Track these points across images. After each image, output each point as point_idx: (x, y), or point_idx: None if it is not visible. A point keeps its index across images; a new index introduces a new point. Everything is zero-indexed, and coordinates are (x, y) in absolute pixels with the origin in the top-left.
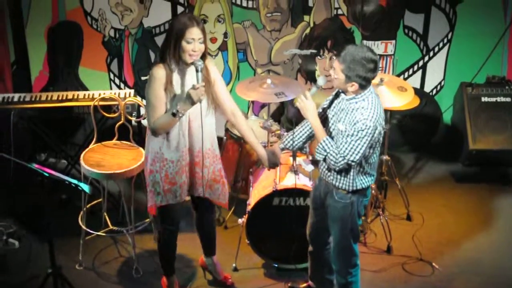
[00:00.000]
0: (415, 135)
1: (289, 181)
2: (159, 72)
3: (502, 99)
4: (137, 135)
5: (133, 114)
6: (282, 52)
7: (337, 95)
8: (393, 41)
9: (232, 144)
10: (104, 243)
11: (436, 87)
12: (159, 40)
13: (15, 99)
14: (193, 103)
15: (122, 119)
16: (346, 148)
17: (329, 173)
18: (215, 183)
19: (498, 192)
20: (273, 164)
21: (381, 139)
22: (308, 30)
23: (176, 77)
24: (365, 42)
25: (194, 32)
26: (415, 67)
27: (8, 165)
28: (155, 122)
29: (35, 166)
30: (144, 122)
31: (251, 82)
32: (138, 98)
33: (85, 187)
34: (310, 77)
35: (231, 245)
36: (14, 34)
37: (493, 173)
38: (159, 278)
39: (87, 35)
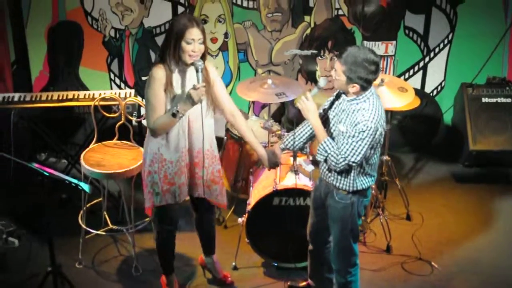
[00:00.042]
0: (415, 135)
1: (289, 181)
2: (159, 72)
3: (503, 99)
4: (137, 135)
5: (134, 114)
6: (282, 53)
7: (338, 96)
8: (394, 42)
9: (232, 144)
10: (104, 242)
11: (436, 87)
12: (160, 40)
13: (16, 99)
14: (193, 103)
15: (123, 119)
16: (347, 149)
17: (329, 174)
18: (213, 184)
19: (498, 192)
20: (273, 164)
21: (382, 140)
22: (308, 31)
23: (176, 77)
24: (365, 42)
25: (194, 33)
26: (416, 68)
27: (8, 164)
28: (154, 122)
29: (35, 165)
30: (145, 122)
31: (252, 83)
32: (139, 98)
33: (85, 187)
34: (311, 78)
35: (231, 244)
36: (14, 34)
37: (493, 173)
38: (158, 276)
39: (88, 35)
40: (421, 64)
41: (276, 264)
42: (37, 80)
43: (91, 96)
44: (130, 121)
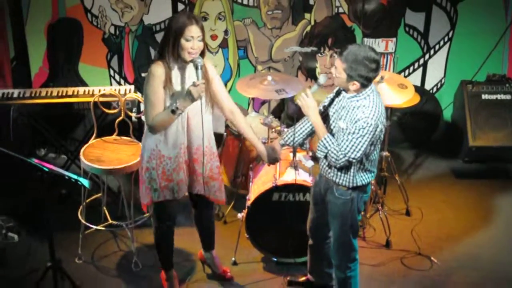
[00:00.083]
0: (415, 132)
1: (289, 176)
2: (158, 69)
3: (502, 96)
4: (137, 131)
5: (133, 110)
6: (282, 50)
7: (338, 93)
8: (394, 39)
9: (232, 140)
10: (104, 237)
11: (436, 84)
12: (160, 37)
13: (15, 95)
14: (193, 100)
15: (122, 115)
16: (347, 146)
17: (329, 170)
18: (211, 181)
19: (497, 188)
20: (273, 159)
21: (382, 136)
22: (309, 28)
23: (175, 74)
24: (366, 40)
25: (193, 30)
26: (416, 65)
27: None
28: (153, 119)
29: (35, 161)
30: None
31: (252, 79)
32: (138, 94)
33: (85, 182)
34: (311, 75)
35: (231, 240)
36: (14, 31)
37: (492, 169)
38: (158, 271)
39: (87, 32)
40: (421, 61)
41: (275, 259)
42: (36, 77)
43: (90, 92)
44: (129, 117)
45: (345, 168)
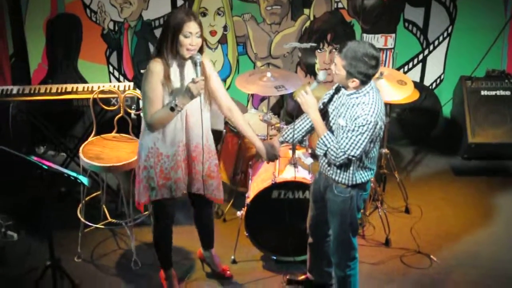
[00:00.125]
0: (414, 128)
1: (288, 174)
2: (157, 66)
3: (502, 92)
4: (136, 128)
5: (133, 107)
6: (282, 45)
7: (337, 90)
8: (393, 35)
9: (231, 137)
10: (103, 235)
11: (435, 80)
12: (159, 33)
13: (14, 92)
14: (192, 97)
15: (121, 112)
16: (347, 143)
17: (329, 168)
18: (209, 179)
19: (497, 185)
20: (272, 156)
21: (381, 133)
22: (308, 24)
23: (173, 71)
24: (365, 35)
25: (191, 26)
26: (415, 61)
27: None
28: (152, 116)
29: (34, 158)
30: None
31: (251, 75)
32: (138, 91)
33: (84, 180)
34: (310, 70)
35: (230, 238)
36: (12, 27)
37: (492, 166)
38: (157, 270)
39: (86, 28)
40: (421, 57)
41: (275, 258)
42: (35, 73)
43: (90, 89)
44: (129, 114)
45: (345, 166)
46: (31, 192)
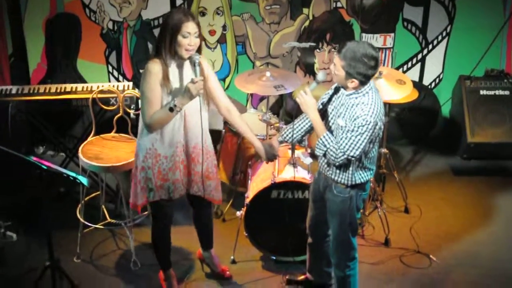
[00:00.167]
0: (413, 128)
1: (287, 173)
2: (155, 67)
3: (501, 92)
4: (135, 127)
5: (132, 107)
6: (281, 45)
7: (336, 90)
8: (392, 34)
9: (231, 137)
10: (102, 236)
11: (434, 80)
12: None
13: (13, 91)
14: (191, 97)
15: (121, 111)
16: (346, 144)
17: (328, 168)
18: (207, 180)
19: (496, 185)
20: (271, 156)
21: (381, 133)
22: (307, 23)
23: (172, 72)
24: (364, 35)
25: (190, 27)
26: (414, 60)
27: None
28: (151, 117)
29: (33, 159)
30: None
31: (250, 75)
32: (137, 91)
33: (83, 180)
34: (309, 70)
35: (229, 238)
36: (11, 26)
37: (491, 166)
38: (157, 270)
39: (85, 27)
40: (420, 56)
41: (274, 258)
42: (35, 73)
43: (89, 89)
44: (128, 114)
45: (344, 166)
46: (30, 192)
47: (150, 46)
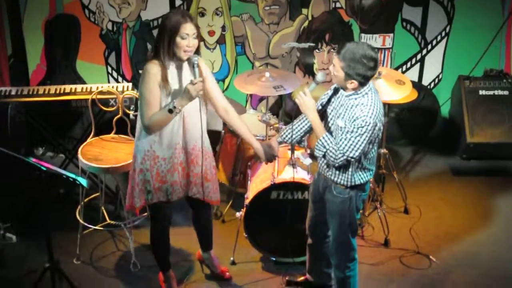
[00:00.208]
0: (413, 128)
1: (287, 174)
2: (154, 68)
3: (500, 92)
4: (135, 128)
5: (131, 108)
6: (280, 45)
7: (335, 90)
8: (391, 35)
9: (230, 138)
10: (102, 237)
11: (434, 80)
12: None
13: (13, 93)
14: (191, 98)
15: (120, 112)
16: (346, 145)
17: (328, 169)
18: (205, 181)
19: (495, 185)
20: (270, 157)
21: (380, 134)
22: (306, 23)
23: (171, 73)
24: (363, 35)
25: (188, 28)
26: (413, 61)
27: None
28: (150, 119)
29: (32, 160)
30: None
31: (249, 75)
32: (136, 92)
33: (83, 181)
34: (308, 70)
35: (229, 239)
36: (11, 27)
37: (491, 166)
38: (156, 272)
39: (85, 28)
40: (419, 56)
41: (274, 259)
42: (34, 74)
43: (88, 90)
44: (127, 115)
45: (344, 167)
46: (29, 194)
47: (149, 47)
